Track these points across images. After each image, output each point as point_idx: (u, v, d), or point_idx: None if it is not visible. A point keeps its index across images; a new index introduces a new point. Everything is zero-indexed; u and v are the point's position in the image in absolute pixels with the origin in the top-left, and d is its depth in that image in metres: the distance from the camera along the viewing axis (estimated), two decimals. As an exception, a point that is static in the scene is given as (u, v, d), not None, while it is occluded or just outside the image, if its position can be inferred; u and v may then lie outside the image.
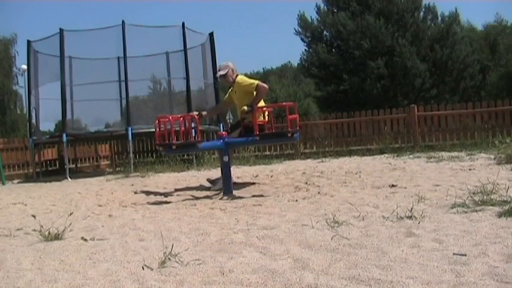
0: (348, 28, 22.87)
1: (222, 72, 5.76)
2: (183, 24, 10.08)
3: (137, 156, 11.36)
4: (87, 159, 12.11)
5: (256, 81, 5.61)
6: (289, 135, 5.21)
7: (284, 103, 5.48)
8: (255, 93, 5.49)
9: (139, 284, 2.32)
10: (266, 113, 5.62)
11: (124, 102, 10.39)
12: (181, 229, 3.53)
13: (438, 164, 6.55)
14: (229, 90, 6.00)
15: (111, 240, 3.33)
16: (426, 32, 23.48)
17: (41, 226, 3.57)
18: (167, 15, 79.97)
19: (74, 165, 11.34)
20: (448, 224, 3.03)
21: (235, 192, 5.29)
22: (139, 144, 12.13)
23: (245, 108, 5.49)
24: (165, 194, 5.71)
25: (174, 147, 5.21)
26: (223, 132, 5.67)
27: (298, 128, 5.34)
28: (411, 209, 3.38)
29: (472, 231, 2.79)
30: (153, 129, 8.96)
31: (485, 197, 3.62)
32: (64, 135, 9.30)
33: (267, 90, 5.67)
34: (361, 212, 3.58)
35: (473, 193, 3.84)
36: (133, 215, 4.40)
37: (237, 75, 5.79)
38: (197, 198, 5.24)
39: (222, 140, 5.43)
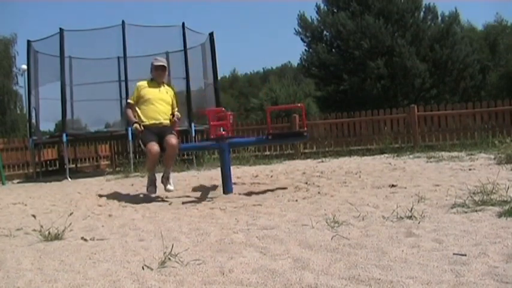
0: (347, 28, 22.88)
1: (165, 64, 5.67)
2: (183, 24, 10.08)
3: (137, 156, 11.35)
4: (87, 159, 12.11)
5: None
6: (305, 134, 5.45)
7: (299, 104, 5.65)
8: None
9: (139, 284, 2.32)
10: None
11: (124, 102, 10.38)
12: (181, 229, 3.53)
13: (438, 164, 6.55)
14: (146, 85, 5.58)
15: (111, 240, 3.33)
16: (426, 32, 23.49)
17: (41, 226, 3.57)
18: (167, 15, 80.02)
19: (74, 165, 11.33)
20: (448, 224, 3.03)
21: (235, 192, 5.29)
22: (138, 144, 12.12)
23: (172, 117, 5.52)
24: (165, 194, 5.70)
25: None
26: (224, 132, 5.66)
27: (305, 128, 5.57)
28: (411, 209, 3.38)
29: (472, 231, 2.79)
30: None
31: (485, 197, 3.62)
32: (64, 135, 9.29)
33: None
34: (361, 212, 3.58)
35: (473, 193, 3.84)
36: (133, 215, 4.40)
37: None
38: (197, 198, 5.24)
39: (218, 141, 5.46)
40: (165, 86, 5.66)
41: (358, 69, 22.67)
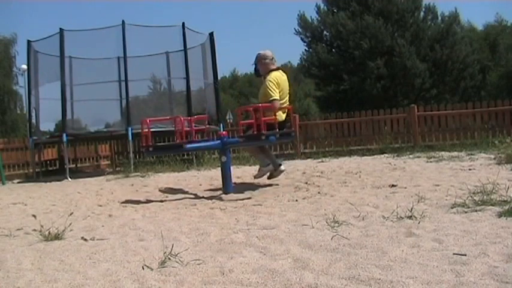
0: (347, 28, 22.87)
1: (254, 63, 5.70)
2: (183, 24, 10.08)
3: (137, 156, 11.36)
4: (87, 159, 12.11)
5: (274, 96, 5.38)
6: (263, 137, 5.05)
7: (260, 104, 5.27)
8: (267, 104, 5.37)
9: (139, 284, 2.32)
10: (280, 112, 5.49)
11: (124, 102, 10.39)
12: (181, 229, 3.53)
13: (438, 164, 6.55)
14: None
15: (111, 240, 3.33)
16: (426, 32, 23.48)
17: (41, 226, 3.57)
18: (167, 15, 79.85)
19: (74, 165, 11.33)
20: (448, 224, 3.03)
21: (235, 192, 5.29)
22: (139, 144, 12.12)
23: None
24: (165, 194, 5.71)
25: (150, 149, 5.27)
26: (224, 132, 5.67)
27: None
28: (411, 209, 3.38)
29: (472, 231, 2.79)
30: (153, 129, 9.08)
31: (485, 197, 3.62)
32: (64, 135, 9.29)
33: (274, 110, 5.38)
34: (361, 212, 3.58)
35: (473, 193, 3.84)
36: (133, 215, 4.40)
37: (272, 70, 5.57)
38: (197, 198, 5.24)
39: (221, 140, 5.44)
40: (266, 77, 5.55)
41: (358, 69, 22.66)
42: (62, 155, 10.68)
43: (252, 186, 5.82)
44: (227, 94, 41.04)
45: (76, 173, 10.38)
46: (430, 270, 2.19)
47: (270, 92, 5.38)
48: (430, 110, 10.33)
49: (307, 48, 25.42)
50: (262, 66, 5.61)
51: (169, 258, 2.64)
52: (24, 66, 18.29)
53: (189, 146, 5.48)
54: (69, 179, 8.88)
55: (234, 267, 2.46)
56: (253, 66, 5.73)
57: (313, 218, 3.46)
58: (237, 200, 4.83)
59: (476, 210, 3.32)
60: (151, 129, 5.65)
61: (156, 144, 5.34)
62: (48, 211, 4.99)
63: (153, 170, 8.56)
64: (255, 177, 5.93)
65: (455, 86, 23.74)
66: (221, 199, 4.98)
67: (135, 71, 10.07)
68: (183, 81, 10.31)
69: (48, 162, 11.26)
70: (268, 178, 5.83)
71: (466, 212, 3.31)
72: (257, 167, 8.27)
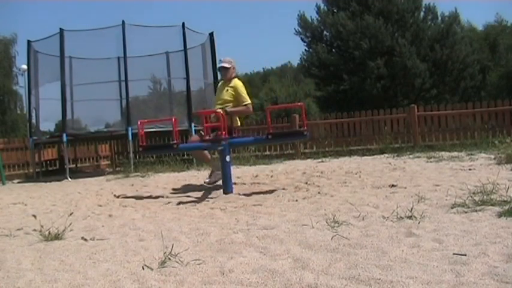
0: (347, 28, 22.85)
1: (226, 65, 5.86)
2: (183, 24, 10.08)
3: (137, 156, 11.36)
4: (87, 159, 12.11)
5: (249, 101, 5.84)
6: (305, 133, 5.32)
7: (299, 103, 5.60)
8: (240, 108, 5.76)
9: (140, 284, 2.32)
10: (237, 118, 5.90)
11: (124, 102, 10.39)
12: (181, 229, 3.53)
13: (438, 164, 6.55)
14: (219, 84, 6.16)
15: (111, 240, 3.33)
16: (426, 32, 23.46)
17: (41, 226, 3.57)
18: (167, 15, 79.95)
19: (74, 165, 11.34)
20: (448, 224, 3.03)
21: (235, 192, 5.29)
22: (139, 144, 12.12)
23: (226, 109, 5.65)
24: (165, 194, 5.71)
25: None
26: (224, 132, 5.66)
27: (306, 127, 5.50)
28: (411, 209, 3.38)
29: (472, 231, 2.79)
30: (153, 129, 9.08)
31: (485, 197, 3.62)
32: (64, 135, 9.30)
33: (248, 113, 6.02)
34: (361, 212, 3.58)
35: (473, 193, 3.84)
36: (133, 215, 4.40)
37: (235, 77, 5.93)
38: (197, 198, 5.24)
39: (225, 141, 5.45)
40: (231, 85, 5.83)
41: (358, 69, 22.64)
42: (62, 155, 10.69)
43: (252, 186, 5.82)
44: (227, 94, 41.11)
45: (76, 173, 10.38)
46: (430, 270, 2.19)
47: (245, 97, 5.80)
48: (430, 110, 10.33)
49: (307, 48, 25.41)
50: (230, 71, 5.88)
51: (169, 258, 2.64)
52: (24, 66, 18.25)
53: (233, 141, 5.58)
54: (69, 179, 8.88)
55: (234, 267, 2.47)
56: (229, 67, 5.87)
57: (313, 218, 3.46)
58: (237, 200, 4.83)
59: (476, 210, 3.32)
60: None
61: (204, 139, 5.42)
62: (48, 211, 4.99)
63: (153, 170, 8.56)
64: (208, 183, 5.75)
65: (455, 86, 23.72)
66: (221, 199, 4.98)
67: (135, 71, 10.07)
68: (183, 81, 10.31)
69: (48, 162, 11.27)
70: (210, 183, 5.77)
71: (466, 212, 3.31)
72: (258, 167, 8.31)
